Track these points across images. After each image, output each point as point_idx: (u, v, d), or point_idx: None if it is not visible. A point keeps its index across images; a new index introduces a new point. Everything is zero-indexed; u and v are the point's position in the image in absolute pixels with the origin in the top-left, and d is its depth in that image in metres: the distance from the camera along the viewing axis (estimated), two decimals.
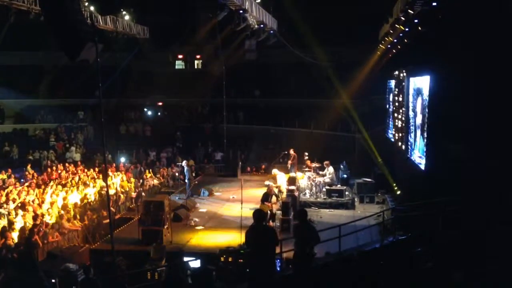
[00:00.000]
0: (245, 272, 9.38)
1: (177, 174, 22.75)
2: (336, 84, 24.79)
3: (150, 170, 22.89)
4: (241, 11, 18.00)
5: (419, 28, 13.23)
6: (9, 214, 14.35)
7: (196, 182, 22.21)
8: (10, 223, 13.78)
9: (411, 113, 15.71)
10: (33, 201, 15.88)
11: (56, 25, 8.49)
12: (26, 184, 18.57)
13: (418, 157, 14.19)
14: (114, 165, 22.63)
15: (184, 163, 20.19)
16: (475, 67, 10.55)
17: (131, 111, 32.37)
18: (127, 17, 22.84)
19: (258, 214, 7.53)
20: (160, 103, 33.18)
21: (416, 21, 13.38)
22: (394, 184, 18.00)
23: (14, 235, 12.98)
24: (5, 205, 15.14)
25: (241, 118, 30.88)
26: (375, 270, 8.02)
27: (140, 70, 30.34)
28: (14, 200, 15.76)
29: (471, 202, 10.01)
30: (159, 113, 33.42)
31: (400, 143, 18.21)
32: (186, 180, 19.53)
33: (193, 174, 23.58)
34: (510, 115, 10.05)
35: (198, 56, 34.46)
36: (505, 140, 10.12)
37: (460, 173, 10.46)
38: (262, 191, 19.90)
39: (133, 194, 18.74)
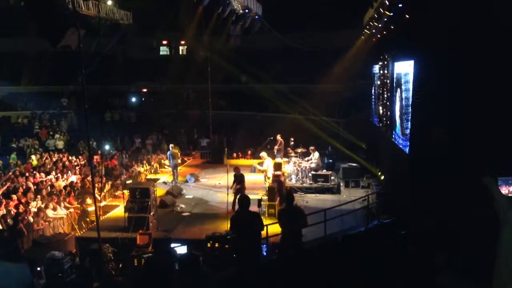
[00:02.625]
0: (231, 258, 9.44)
1: (162, 161, 22.72)
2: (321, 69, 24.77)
3: (136, 157, 22.81)
4: None
5: (406, 16, 13.24)
6: None
7: (182, 168, 22.19)
8: None
9: (394, 98, 15.80)
10: (17, 189, 15.73)
11: (37, 11, 8.36)
12: (10, 172, 18.37)
13: (402, 140, 14.31)
14: (99, 152, 22.46)
15: (170, 146, 20.29)
16: (460, 51, 10.61)
17: (115, 98, 32.07)
18: (109, 2, 22.49)
19: (244, 200, 7.57)
20: (145, 90, 32.91)
21: (400, 5, 13.39)
22: (378, 169, 18.17)
23: None
24: None
25: (224, 104, 30.81)
26: (359, 254, 8.12)
27: (124, 56, 30.01)
28: None
29: (455, 186, 10.15)
30: (143, 100, 33.16)
31: (384, 128, 18.33)
32: (171, 166, 19.60)
33: (179, 161, 23.54)
34: (495, 99, 10.16)
35: (182, 42, 34.15)
36: (489, 124, 10.24)
37: (444, 157, 10.57)
38: (248, 176, 20.08)
39: (119, 181, 18.66)
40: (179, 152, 23.76)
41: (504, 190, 9.71)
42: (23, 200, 14.70)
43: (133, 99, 32.84)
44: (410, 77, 12.99)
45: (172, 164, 19.77)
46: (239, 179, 15.18)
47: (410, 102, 13.02)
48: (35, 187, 16.36)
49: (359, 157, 20.13)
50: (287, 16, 23.11)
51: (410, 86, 13.00)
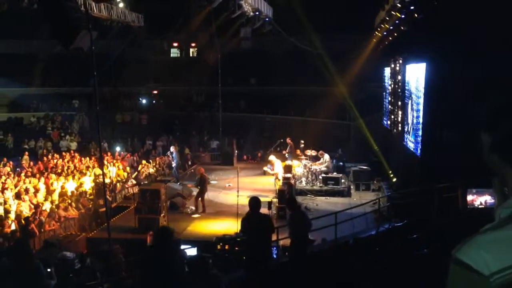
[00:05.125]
0: (241, 260, 9.42)
1: (173, 164, 22.79)
2: (332, 72, 24.67)
3: (147, 158, 22.92)
4: None
5: (415, 15, 13.20)
6: (5, 203, 14.34)
7: (192, 170, 22.24)
8: (6, 212, 13.77)
9: (406, 100, 15.72)
10: (28, 190, 15.85)
11: (50, 13, 8.42)
12: (23, 173, 18.54)
13: (413, 143, 14.23)
14: (109, 153, 22.60)
15: (172, 148, 20.43)
16: (472, 54, 10.53)
17: (126, 100, 32.25)
18: (121, 5, 22.63)
19: (254, 201, 7.54)
20: (155, 91, 33.06)
21: (412, 8, 13.34)
22: (390, 172, 18.06)
23: (11, 224, 12.98)
24: (0, 194, 15.13)
25: (242, 106, 30.90)
26: (371, 257, 8.07)
27: (135, 58, 30.14)
28: (7, 189, 15.74)
29: (466, 188, 10.07)
30: (154, 102, 33.30)
31: (395, 130, 18.24)
32: (174, 165, 20.01)
33: (189, 163, 23.65)
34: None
35: (193, 44, 34.25)
36: None
37: (455, 160, 10.50)
38: (258, 178, 20.07)
39: (129, 183, 18.73)
40: (189, 154, 23.86)
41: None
42: (34, 201, 14.81)
43: (144, 101, 33.01)
44: (422, 80, 12.92)
45: (175, 165, 20.06)
46: (201, 181, 15.76)
47: (422, 105, 12.94)
48: (46, 188, 16.50)
49: (370, 159, 20.06)
50: (297, 19, 23.02)
51: (422, 89, 12.93)
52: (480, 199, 9.60)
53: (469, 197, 9.61)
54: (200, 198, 15.76)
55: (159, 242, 5.59)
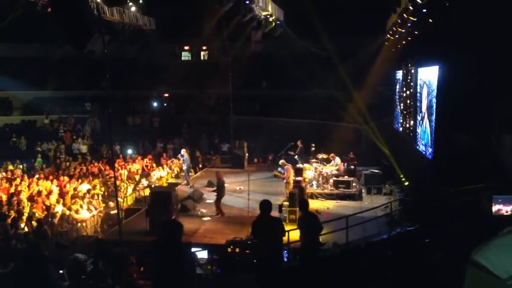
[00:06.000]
0: (252, 263, 9.40)
1: (184, 166, 22.87)
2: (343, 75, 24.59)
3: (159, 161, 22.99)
4: (247, 2, 17.86)
5: (430, 20, 13.11)
6: (18, 205, 14.46)
7: (203, 173, 22.29)
8: (20, 214, 13.89)
9: (419, 104, 15.63)
10: (41, 192, 15.98)
11: (64, 17, 8.51)
12: (36, 175, 18.70)
13: (425, 147, 14.13)
14: (121, 156, 22.71)
15: (182, 151, 20.49)
16: (484, 57, 10.44)
17: (137, 103, 32.44)
18: (133, 8, 22.79)
19: (265, 204, 7.53)
20: (167, 95, 33.22)
21: (424, 10, 13.26)
22: (402, 176, 17.93)
23: (24, 226, 13.09)
24: (15, 196, 15.27)
25: (253, 110, 30.95)
26: (382, 261, 8.01)
27: (146, 62, 30.32)
28: (20, 191, 15.87)
29: (479, 192, 9.98)
30: (165, 104, 33.46)
31: (407, 134, 18.12)
32: (185, 168, 20.16)
33: (200, 165, 23.71)
34: None
35: (204, 48, 34.37)
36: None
37: (468, 163, 10.40)
38: (269, 181, 20.05)
39: (141, 186, 18.82)
40: (200, 156, 23.88)
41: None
42: (47, 203, 14.92)
43: (155, 104, 33.18)
44: (434, 83, 12.83)
45: (186, 168, 20.14)
46: (219, 185, 15.69)
47: (434, 108, 12.86)
48: (59, 190, 16.62)
49: (381, 163, 19.96)
50: (309, 22, 23.01)
51: (434, 92, 12.85)
52: (505, 208, 9.51)
53: (496, 207, 9.53)
54: (217, 202, 15.73)
55: (166, 235, 5.57)
